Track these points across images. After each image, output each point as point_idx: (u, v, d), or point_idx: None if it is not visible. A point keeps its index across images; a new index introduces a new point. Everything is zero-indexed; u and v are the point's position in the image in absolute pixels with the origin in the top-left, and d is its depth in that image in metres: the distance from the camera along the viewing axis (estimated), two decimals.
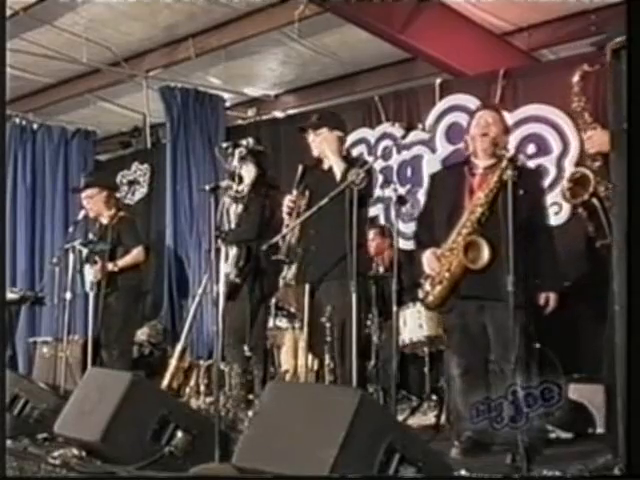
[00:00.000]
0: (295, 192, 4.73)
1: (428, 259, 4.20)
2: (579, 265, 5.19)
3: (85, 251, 6.35)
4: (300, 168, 4.82)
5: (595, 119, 3.75)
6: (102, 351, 6.37)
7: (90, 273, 6.33)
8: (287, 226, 4.67)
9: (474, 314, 4.14)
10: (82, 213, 6.73)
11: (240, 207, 5.28)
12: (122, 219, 6.68)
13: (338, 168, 4.68)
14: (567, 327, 5.58)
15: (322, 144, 4.81)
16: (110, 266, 6.37)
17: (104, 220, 6.63)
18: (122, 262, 6.45)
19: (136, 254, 6.54)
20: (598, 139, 3.63)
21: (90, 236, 6.63)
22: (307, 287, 4.62)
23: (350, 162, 4.77)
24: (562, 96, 5.84)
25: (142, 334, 7.58)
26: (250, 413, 5.18)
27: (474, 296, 4.08)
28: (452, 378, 4.32)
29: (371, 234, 6.25)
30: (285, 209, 4.72)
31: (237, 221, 5.29)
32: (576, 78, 3.76)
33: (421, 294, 4.28)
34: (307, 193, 4.76)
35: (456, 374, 4.24)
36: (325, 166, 4.82)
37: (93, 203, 6.62)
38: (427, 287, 4.21)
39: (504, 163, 3.77)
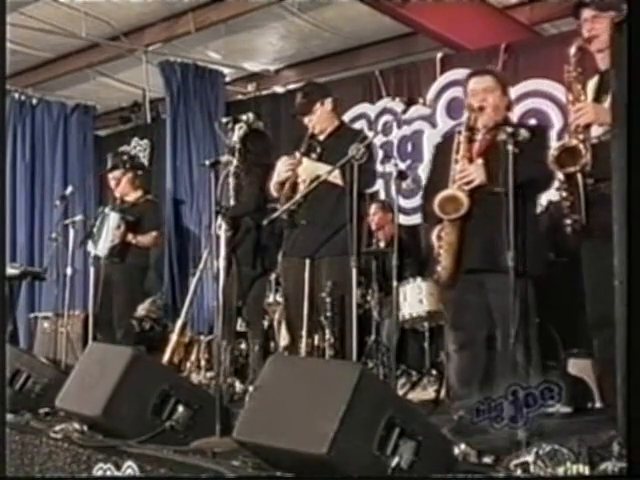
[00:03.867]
0: (298, 155, 4.66)
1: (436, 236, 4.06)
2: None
3: (115, 216, 6.39)
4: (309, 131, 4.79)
5: (586, 92, 3.72)
6: (102, 329, 6.40)
7: (112, 235, 6.36)
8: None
9: (475, 290, 3.97)
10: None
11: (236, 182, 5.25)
12: (147, 201, 6.80)
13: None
14: (566, 302, 5.59)
15: (321, 118, 4.78)
16: (130, 237, 6.42)
17: (129, 199, 6.69)
18: (142, 239, 6.51)
19: (154, 237, 6.62)
20: (589, 110, 3.60)
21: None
22: (307, 262, 4.62)
23: (347, 130, 4.80)
24: (563, 71, 5.84)
25: (142, 309, 7.60)
26: (237, 388, 5.23)
27: (475, 269, 3.93)
28: (449, 354, 4.22)
29: (373, 208, 6.26)
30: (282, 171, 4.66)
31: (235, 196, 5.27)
32: (573, 50, 3.72)
33: (436, 275, 4.07)
34: (318, 150, 4.71)
35: (452, 350, 4.12)
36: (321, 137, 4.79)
37: (119, 184, 6.70)
38: (437, 266, 4.03)
39: (503, 136, 3.67)
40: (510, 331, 3.59)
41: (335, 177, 4.48)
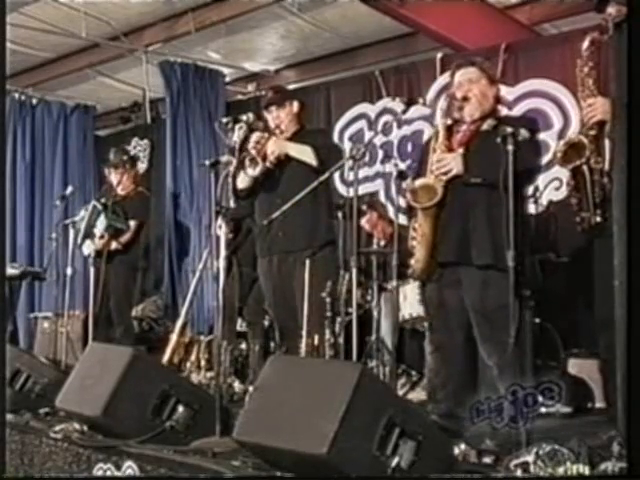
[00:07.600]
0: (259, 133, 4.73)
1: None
2: (578, 240, 5.20)
3: (101, 224, 6.42)
4: None
5: (598, 87, 3.70)
6: (102, 329, 6.41)
7: (95, 243, 6.42)
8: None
9: (452, 287, 3.78)
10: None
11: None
12: (137, 193, 6.93)
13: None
14: (566, 302, 5.60)
15: (288, 116, 4.82)
16: (114, 245, 6.46)
17: (123, 192, 6.80)
18: (124, 239, 6.61)
19: (133, 227, 6.70)
20: (600, 106, 3.58)
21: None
22: (307, 262, 4.62)
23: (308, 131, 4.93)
24: (563, 71, 5.86)
25: (142, 309, 7.61)
26: (237, 388, 5.23)
27: (448, 262, 3.76)
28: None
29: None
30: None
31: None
32: (586, 44, 3.70)
33: (410, 269, 3.90)
34: None
35: (427, 351, 3.93)
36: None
37: (123, 180, 6.76)
38: (411, 260, 3.86)
39: (485, 126, 3.64)
40: (510, 330, 3.50)
41: (309, 157, 4.57)
